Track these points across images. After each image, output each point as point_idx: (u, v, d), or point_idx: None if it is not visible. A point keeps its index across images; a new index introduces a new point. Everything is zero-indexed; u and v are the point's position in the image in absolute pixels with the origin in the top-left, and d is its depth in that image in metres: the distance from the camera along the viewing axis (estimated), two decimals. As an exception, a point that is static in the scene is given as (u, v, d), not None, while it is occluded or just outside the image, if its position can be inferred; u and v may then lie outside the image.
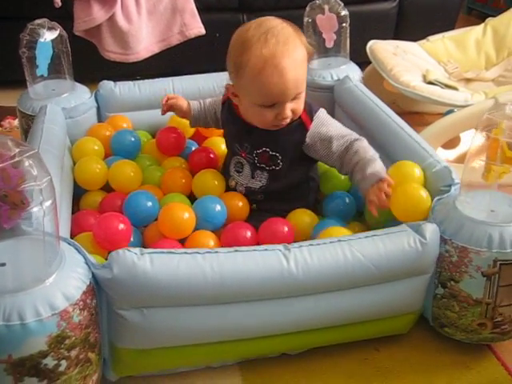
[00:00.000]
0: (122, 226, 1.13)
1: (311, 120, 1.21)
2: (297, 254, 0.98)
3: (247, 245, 1.07)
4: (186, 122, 1.44)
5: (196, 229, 1.20)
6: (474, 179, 1.04)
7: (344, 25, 1.67)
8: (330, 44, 1.67)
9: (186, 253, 0.96)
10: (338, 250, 1.00)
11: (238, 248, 0.99)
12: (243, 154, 1.25)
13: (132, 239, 1.17)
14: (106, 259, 0.94)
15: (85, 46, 2.09)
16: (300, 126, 1.21)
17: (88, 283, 0.90)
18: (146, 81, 1.63)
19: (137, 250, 0.94)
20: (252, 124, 1.22)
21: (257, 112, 1.16)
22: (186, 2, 2.18)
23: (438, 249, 1.04)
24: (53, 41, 1.49)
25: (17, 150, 0.79)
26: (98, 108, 1.60)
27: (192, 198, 1.31)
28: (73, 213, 1.25)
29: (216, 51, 2.27)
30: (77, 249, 0.95)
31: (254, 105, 1.15)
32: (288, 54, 1.10)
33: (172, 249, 0.97)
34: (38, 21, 1.49)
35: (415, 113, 1.95)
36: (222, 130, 1.40)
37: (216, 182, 1.30)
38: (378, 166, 1.16)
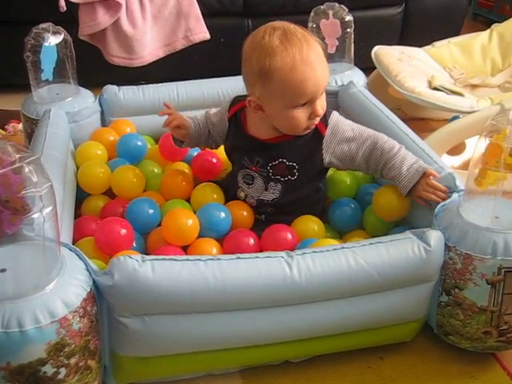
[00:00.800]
0: (123, 230, 1.13)
1: (326, 125, 1.20)
2: (300, 262, 0.97)
3: (250, 252, 1.07)
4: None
5: (200, 236, 1.18)
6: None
7: (348, 30, 1.67)
8: (331, 50, 1.67)
9: (187, 260, 0.95)
10: (342, 257, 0.99)
11: (240, 255, 0.98)
12: (254, 168, 1.23)
13: (134, 245, 1.16)
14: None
15: (89, 50, 2.09)
16: (315, 132, 1.19)
17: (88, 290, 0.89)
18: (150, 85, 1.63)
19: (138, 256, 0.93)
20: (262, 138, 1.20)
21: (289, 116, 1.13)
22: (191, 7, 2.17)
23: (443, 256, 1.03)
24: (57, 45, 1.50)
25: (17, 156, 0.79)
26: (102, 112, 1.60)
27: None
28: (75, 217, 1.24)
29: (220, 56, 2.31)
30: (78, 255, 0.94)
31: (285, 109, 1.13)
32: (312, 48, 1.11)
33: (174, 256, 0.97)
34: (42, 25, 1.49)
35: (420, 119, 1.94)
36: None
37: (215, 196, 1.28)
38: (410, 159, 1.16)
